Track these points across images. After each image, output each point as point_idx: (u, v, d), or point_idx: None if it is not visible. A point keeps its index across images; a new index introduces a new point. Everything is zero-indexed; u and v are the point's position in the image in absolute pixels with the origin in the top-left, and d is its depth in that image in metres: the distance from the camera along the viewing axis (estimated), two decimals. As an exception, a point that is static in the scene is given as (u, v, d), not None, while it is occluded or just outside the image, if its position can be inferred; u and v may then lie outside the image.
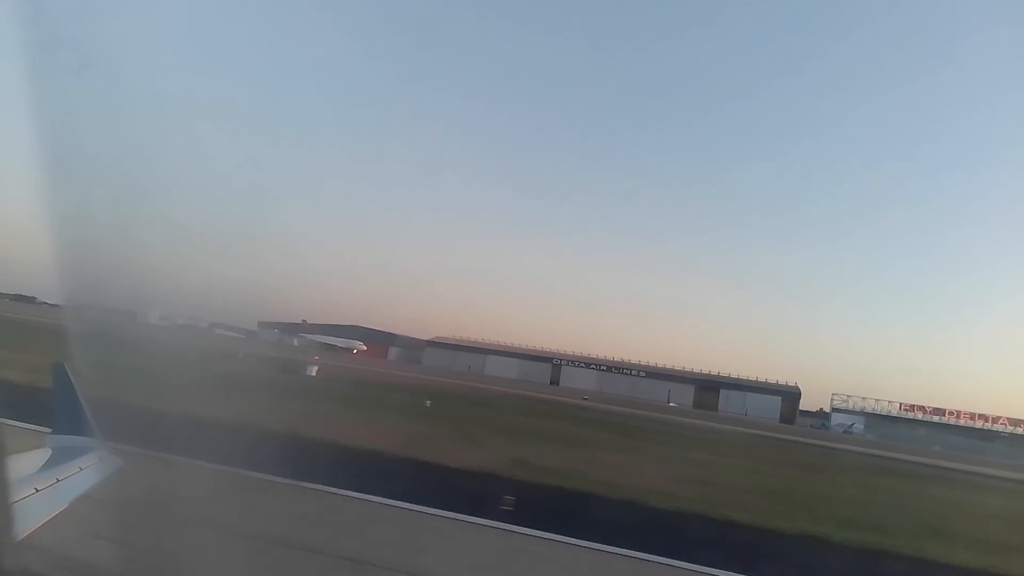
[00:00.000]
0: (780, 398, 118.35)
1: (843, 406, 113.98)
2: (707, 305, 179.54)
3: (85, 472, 3.47)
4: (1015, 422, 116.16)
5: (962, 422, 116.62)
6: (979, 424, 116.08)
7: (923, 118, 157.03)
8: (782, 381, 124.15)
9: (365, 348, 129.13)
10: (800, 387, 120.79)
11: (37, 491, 2.90)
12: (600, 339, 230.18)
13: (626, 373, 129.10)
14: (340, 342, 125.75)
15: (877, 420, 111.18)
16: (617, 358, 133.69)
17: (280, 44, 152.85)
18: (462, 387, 52.53)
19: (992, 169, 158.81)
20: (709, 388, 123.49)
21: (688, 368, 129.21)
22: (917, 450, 67.56)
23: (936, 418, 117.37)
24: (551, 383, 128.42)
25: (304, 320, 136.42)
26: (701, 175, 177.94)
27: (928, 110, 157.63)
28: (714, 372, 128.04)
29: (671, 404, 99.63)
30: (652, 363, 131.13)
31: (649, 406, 77.00)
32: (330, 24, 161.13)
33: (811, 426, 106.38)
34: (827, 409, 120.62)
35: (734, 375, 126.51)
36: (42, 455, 3.54)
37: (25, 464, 3.27)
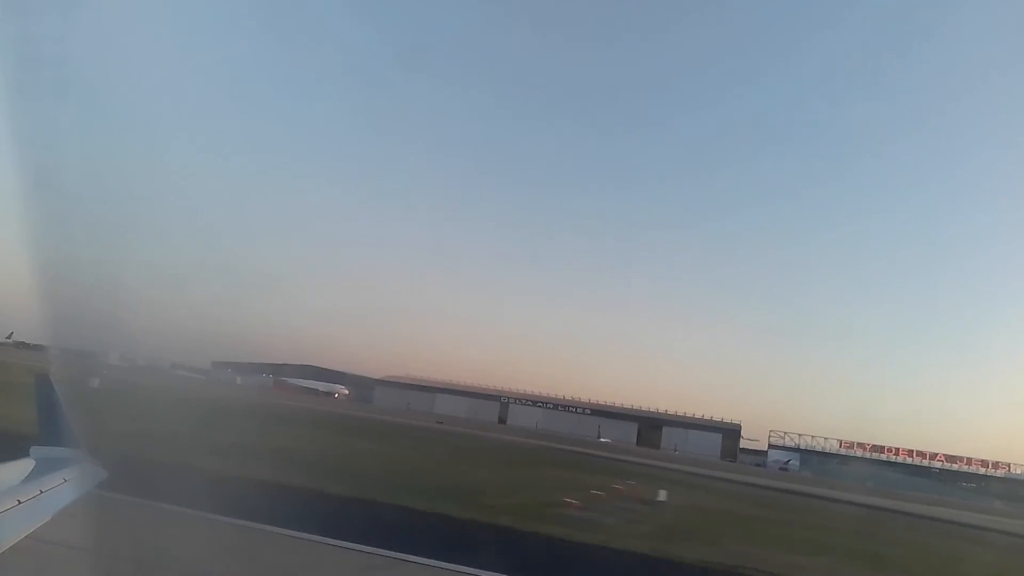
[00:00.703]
0: (720, 435, 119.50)
1: (780, 443, 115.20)
2: (661, 344, 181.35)
3: (69, 484, 3.44)
4: (952, 459, 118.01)
5: (900, 459, 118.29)
6: (917, 461, 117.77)
7: (845, 159, 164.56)
8: (728, 419, 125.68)
9: (347, 392, 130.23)
10: (742, 425, 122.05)
11: (20, 503, 2.88)
12: (554, 378, 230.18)
13: (573, 411, 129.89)
14: (322, 386, 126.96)
15: (813, 456, 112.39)
16: (569, 396, 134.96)
17: (248, 87, 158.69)
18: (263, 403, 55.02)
19: (925, 214, 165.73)
20: (652, 425, 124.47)
21: (636, 406, 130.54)
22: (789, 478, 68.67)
23: (875, 455, 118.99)
24: (499, 421, 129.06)
25: (285, 364, 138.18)
26: (644, 216, 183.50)
27: (858, 145, 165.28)
28: (662, 410, 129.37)
29: (601, 440, 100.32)
30: (600, 401, 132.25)
31: (563, 439, 78.07)
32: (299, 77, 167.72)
33: (754, 464, 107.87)
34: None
35: (683, 412, 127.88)
36: (25, 466, 3.50)
37: (8, 475, 3.24)
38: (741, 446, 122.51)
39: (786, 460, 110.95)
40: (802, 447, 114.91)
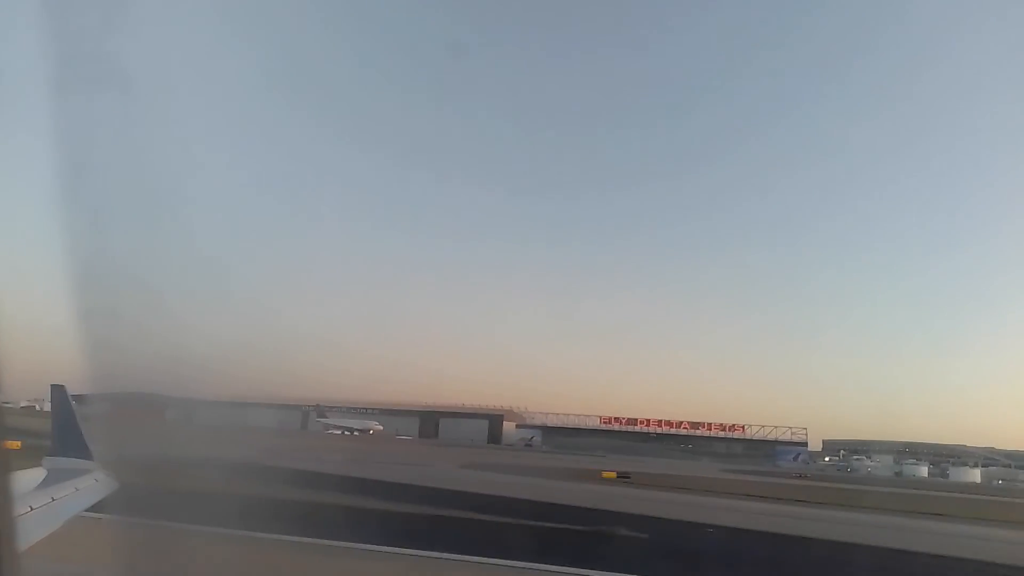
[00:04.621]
0: (487, 421, 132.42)
1: (528, 423, 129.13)
2: (449, 344, 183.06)
3: (81, 493, 3.66)
4: (694, 425, 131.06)
5: (647, 429, 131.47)
6: (664, 429, 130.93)
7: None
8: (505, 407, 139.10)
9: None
10: (504, 412, 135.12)
11: (32, 510, 3.02)
12: (360, 386, 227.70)
13: (364, 412, 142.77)
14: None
15: (553, 433, 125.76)
16: (373, 401, 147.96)
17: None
18: None
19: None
20: (432, 419, 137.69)
21: (430, 403, 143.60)
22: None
23: (628, 428, 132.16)
24: (302, 428, 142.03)
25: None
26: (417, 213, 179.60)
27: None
28: (453, 404, 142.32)
29: (329, 431, 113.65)
30: (392, 401, 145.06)
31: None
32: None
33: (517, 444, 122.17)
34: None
35: (465, 405, 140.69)
36: (38, 475, 3.80)
37: (21, 483, 3.46)
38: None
39: (530, 437, 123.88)
40: (548, 425, 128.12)
